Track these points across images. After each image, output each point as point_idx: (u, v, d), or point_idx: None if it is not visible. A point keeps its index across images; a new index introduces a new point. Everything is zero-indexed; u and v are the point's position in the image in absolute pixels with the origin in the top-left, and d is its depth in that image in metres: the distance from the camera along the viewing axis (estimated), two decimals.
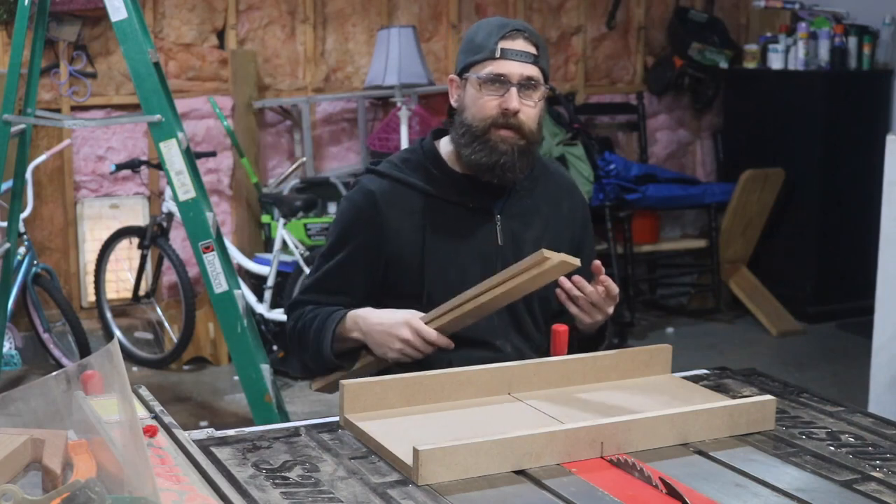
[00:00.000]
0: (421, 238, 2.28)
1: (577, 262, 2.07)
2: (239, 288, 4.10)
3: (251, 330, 4.12)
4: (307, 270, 5.00)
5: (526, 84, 2.23)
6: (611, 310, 2.24)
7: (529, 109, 2.24)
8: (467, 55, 2.28)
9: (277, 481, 1.64)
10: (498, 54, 2.22)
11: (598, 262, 2.21)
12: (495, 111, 2.23)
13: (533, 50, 2.24)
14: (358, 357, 2.28)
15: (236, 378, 4.71)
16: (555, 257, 2.04)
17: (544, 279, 2.09)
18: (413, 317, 2.16)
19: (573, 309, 2.20)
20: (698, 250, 6.48)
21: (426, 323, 2.16)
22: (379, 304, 2.29)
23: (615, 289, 2.21)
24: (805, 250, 6.36)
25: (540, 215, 2.36)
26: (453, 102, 2.32)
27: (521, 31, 2.25)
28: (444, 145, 2.36)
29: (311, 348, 2.29)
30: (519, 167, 2.26)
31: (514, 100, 2.21)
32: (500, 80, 2.22)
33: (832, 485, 1.69)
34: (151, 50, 3.92)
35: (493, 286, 2.09)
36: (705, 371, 2.29)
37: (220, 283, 3.97)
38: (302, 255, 5.06)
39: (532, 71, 2.23)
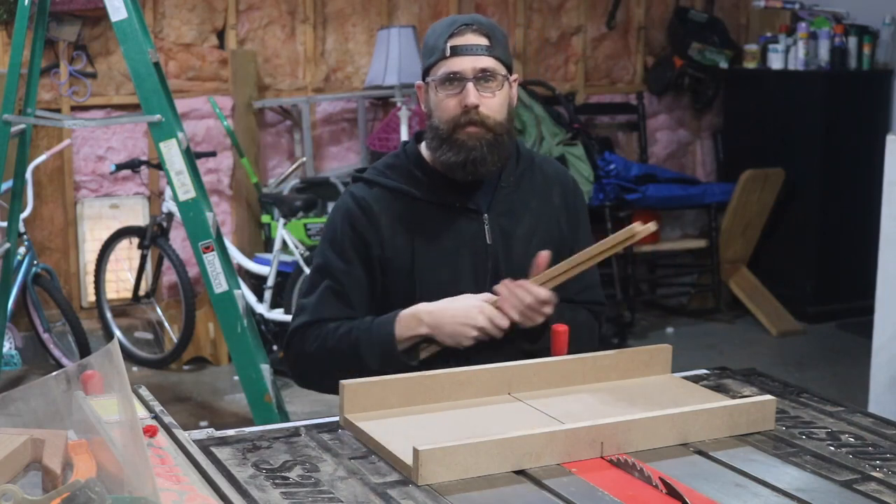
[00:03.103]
0: (410, 242, 2.28)
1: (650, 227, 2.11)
2: (239, 288, 4.10)
3: (251, 330, 4.12)
4: (307, 270, 5.00)
5: (482, 76, 2.22)
6: (538, 318, 2.19)
7: (490, 101, 2.23)
8: (424, 59, 2.29)
9: (277, 481, 1.64)
10: (448, 53, 2.22)
11: (543, 254, 2.20)
12: (456, 110, 2.23)
13: (484, 41, 2.23)
14: (418, 350, 2.24)
15: (236, 378, 4.71)
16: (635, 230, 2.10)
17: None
18: (483, 304, 2.17)
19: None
20: (698, 250, 6.48)
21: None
22: (378, 311, 2.29)
23: (542, 294, 2.16)
24: (805, 250, 6.36)
25: (528, 209, 2.36)
26: (423, 108, 2.33)
27: (468, 24, 2.24)
28: (426, 147, 2.36)
29: (349, 362, 2.21)
30: (490, 160, 2.25)
31: (471, 95, 2.21)
32: (455, 79, 2.22)
33: (832, 485, 1.69)
34: (151, 50, 3.92)
35: (568, 265, 2.18)
36: (705, 371, 2.28)
37: (220, 283, 3.97)
38: (302, 255, 5.06)
39: (486, 62, 2.22)
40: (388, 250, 2.28)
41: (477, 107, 2.21)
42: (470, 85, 2.21)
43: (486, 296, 2.21)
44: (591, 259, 2.18)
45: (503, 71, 2.25)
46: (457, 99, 2.22)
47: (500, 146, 2.26)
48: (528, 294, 2.16)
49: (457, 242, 2.29)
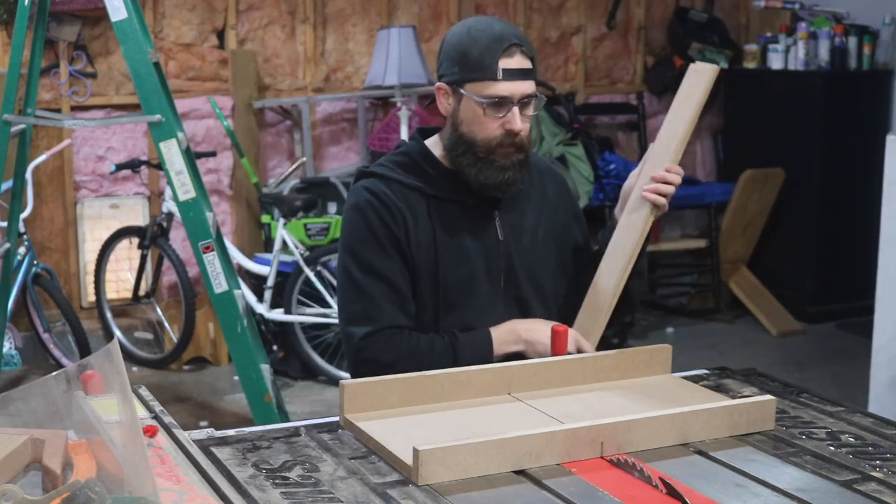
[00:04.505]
0: (432, 238, 2.28)
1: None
2: (239, 288, 4.10)
3: (251, 330, 4.12)
4: (307, 270, 5.00)
5: (525, 102, 2.23)
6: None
7: (526, 124, 2.25)
8: (463, 69, 2.22)
9: (277, 481, 1.64)
10: (500, 75, 2.19)
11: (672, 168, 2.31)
12: (498, 132, 2.22)
13: (529, 64, 2.23)
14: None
15: (236, 378, 4.71)
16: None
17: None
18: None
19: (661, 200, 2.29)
20: (698, 250, 6.48)
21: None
22: None
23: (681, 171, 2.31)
24: (805, 250, 6.36)
25: (531, 203, 2.39)
26: (443, 111, 2.30)
27: (518, 45, 2.21)
28: (433, 145, 2.36)
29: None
30: (520, 179, 2.29)
31: (517, 121, 2.21)
32: (502, 103, 2.21)
33: (832, 485, 1.69)
34: (151, 50, 3.92)
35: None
36: (705, 371, 2.28)
37: (220, 283, 3.97)
38: (302, 255, 5.06)
39: (531, 87, 2.23)
40: (413, 245, 2.27)
41: (519, 132, 2.23)
42: (516, 110, 2.21)
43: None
44: (694, 118, 2.28)
45: (537, 93, 2.27)
46: (500, 122, 2.22)
47: (527, 163, 2.30)
48: (677, 176, 2.29)
49: (472, 238, 2.31)
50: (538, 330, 2.27)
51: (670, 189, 2.28)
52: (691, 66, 2.31)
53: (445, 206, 2.30)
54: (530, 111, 2.25)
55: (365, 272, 2.25)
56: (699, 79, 2.28)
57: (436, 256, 2.27)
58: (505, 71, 2.19)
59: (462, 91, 2.23)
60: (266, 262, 5.32)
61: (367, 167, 2.37)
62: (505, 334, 2.27)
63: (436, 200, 2.30)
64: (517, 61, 2.21)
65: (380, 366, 2.20)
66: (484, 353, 2.24)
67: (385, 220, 2.26)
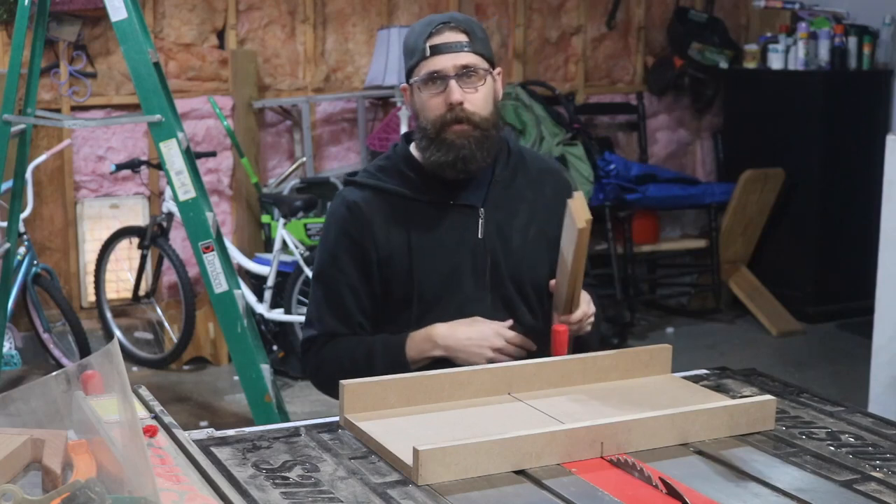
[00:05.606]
0: (406, 240, 2.29)
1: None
2: (239, 288, 4.10)
3: (251, 330, 4.12)
4: (307, 270, 5.00)
5: (464, 73, 2.24)
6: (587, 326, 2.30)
7: (473, 96, 2.25)
8: (406, 61, 2.31)
9: (277, 481, 1.64)
10: (428, 53, 2.24)
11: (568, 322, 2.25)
12: (441, 108, 2.24)
13: (463, 38, 2.25)
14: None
15: (236, 378, 4.71)
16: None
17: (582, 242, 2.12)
18: (499, 326, 2.25)
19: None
20: (698, 250, 6.48)
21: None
22: (381, 311, 2.31)
23: (578, 317, 2.25)
24: (805, 250, 6.36)
25: (525, 202, 2.37)
26: (410, 110, 2.36)
27: (446, 23, 2.26)
28: (416, 149, 2.38)
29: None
30: (480, 157, 2.27)
31: (455, 92, 2.22)
32: (438, 77, 2.24)
33: (832, 485, 1.69)
34: (151, 50, 3.92)
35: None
36: (705, 371, 2.28)
37: (220, 283, 3.97)
38: (302, 255, 5.06)
39: (466, 59, 2.24)
40: (384, 250, 2.29)
41: (461, 104, 2.23)
42: (452, 83, 2.23)
43: (504, 324, 2.27)
44: (583, 258, 2.17)
45: (484, 65, 2.27)
46: (441, 98, 2.24)
47: (488, 141, 2.28)
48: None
49: (453, 238, 2.30)
50: (456, 335, 2.23)
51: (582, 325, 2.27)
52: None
53: (425, 208, 2.31)
54: (475, 83, 2.25)
55: (317, 280, 2.36)
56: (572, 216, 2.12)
57: (410, 257, 2.28)
58: (432, 47, 2.24)
59: (410, 82, 2.29)
60: (266, 262, 5.32)
61: (353, 174, 2.41)
62: (420, 341, 2.25)
63: (415, 203, 2.31)
64: (446, 36, 2.25)
65: (310, 367, 2.35)
66: (398, 360, 2.24)
67: (351, 232, 2.30)
